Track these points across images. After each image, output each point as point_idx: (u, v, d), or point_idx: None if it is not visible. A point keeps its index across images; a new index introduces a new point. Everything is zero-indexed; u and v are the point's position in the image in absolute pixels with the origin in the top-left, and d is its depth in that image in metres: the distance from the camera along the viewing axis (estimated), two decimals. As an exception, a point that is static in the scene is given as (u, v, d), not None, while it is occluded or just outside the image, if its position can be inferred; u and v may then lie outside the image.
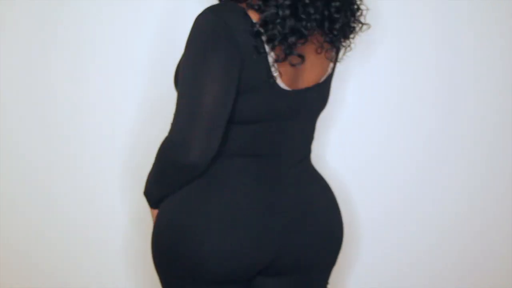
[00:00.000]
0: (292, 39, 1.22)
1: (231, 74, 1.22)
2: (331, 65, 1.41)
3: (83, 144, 1.89)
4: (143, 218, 1.73)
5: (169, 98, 1.61)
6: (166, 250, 1.38)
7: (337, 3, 1.27)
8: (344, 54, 1.42)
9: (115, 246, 1.96)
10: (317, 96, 1.40)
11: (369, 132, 1.93)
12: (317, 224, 1.43)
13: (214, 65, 1.20)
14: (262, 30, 1.22)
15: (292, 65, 1.26)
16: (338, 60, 1.44)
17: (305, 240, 1.40)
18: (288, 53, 1.23)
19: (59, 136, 1.88)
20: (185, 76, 1.23)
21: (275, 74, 1.26)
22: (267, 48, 1.24)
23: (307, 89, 1.35)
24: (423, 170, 1.97)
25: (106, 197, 1.92)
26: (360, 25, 1.36)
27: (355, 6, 1.33)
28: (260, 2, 1.24)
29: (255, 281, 1.46)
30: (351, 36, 1.36)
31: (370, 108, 1.91)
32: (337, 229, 1.50)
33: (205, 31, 1.21)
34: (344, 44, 1.38)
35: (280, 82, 1.29)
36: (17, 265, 1.98)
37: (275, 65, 1.26)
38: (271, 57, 1.25)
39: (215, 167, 1.34)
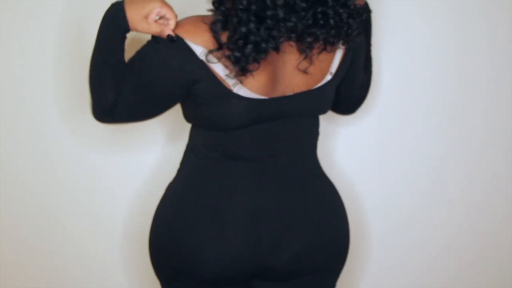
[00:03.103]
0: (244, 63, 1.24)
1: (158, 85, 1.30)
2: (332, 71, 1.39)
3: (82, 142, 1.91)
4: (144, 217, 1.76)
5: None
6: (155, 246, 1.45)
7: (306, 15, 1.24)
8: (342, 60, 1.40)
9: (115, 246, 1.98)
10: (306, 102, 1.38)
11: (379, 133, 1.93)
12: (312, 229, 1.41)
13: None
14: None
15: (244, 70, 1.26)
16: (342, 66, 1.41)
17: (297, 245, 1.39)
18: (242, 73, 1.26)
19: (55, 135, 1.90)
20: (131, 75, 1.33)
21: (233, 86, 1.29)
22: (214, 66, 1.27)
23: (291, 97, 1.35)
24: (437, 172, 1.96)
25: (105, 195, 1.95)
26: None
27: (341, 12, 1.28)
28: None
29: (253, 285, 1.47)
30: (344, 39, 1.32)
31: (383, 108, 1.91)
32: (338, 234, 1.47)
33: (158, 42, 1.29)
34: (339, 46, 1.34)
35: (246, 92, 1.30)
36: (17, 265, 2.00)
37: (231, 78, 1.28)
38: (221, 71, 1.27)
39: (206, 169, 1.40)
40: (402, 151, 1.95)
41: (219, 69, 1.27)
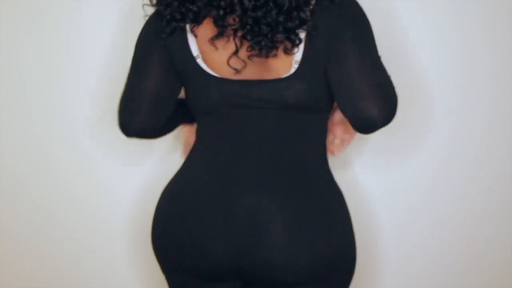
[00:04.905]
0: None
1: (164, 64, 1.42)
2: (296, 59, 1.34)
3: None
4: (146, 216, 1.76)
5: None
6: (153, 243, 1.50)
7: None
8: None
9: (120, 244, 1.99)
10: (274, 92, 1.35)
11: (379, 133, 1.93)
12: (287, 233, 1.34)
13: (151, 61, 1.42)
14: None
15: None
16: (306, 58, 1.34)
17: (269, 251, 1.34)
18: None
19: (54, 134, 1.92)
20: (131, 68, 1.45)
21: (196, 57, 1.37)
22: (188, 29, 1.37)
23: (255, 82, 1.35)
24: (438, 173, 1.96)
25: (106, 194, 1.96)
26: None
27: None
28: None
29: None
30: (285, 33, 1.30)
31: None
32: (326, 243, 1.37)
33: (144, 32, 1.44)
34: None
35: (206, 67, 1.37)
36: (17, 266, 2.01)
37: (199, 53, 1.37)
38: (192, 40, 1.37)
39: (191, 165, 1.47)
40: (402, 151, 1.95)
41: None
